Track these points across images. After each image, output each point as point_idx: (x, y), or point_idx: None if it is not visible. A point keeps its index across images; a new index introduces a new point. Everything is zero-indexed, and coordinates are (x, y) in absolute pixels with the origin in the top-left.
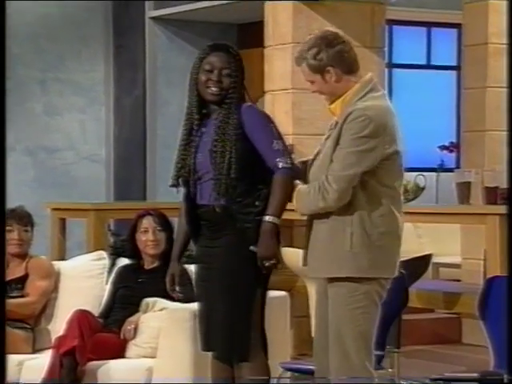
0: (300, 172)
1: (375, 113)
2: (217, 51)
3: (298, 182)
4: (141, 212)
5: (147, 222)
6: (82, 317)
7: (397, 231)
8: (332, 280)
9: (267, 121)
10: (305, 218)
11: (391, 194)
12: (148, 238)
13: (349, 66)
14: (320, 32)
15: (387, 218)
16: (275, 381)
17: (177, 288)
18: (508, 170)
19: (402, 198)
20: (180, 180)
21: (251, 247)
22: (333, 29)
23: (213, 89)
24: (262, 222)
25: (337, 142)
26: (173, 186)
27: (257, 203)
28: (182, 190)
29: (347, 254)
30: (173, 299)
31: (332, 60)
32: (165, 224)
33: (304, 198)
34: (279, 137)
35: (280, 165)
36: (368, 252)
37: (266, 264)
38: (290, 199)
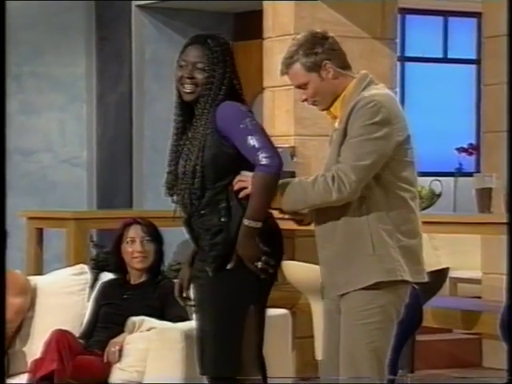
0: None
1: (384, 99)
2: (192, 44)
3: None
4: (127, 220)
5: (134, 232)
6: (61, 337)
7: (418, 229)
8: (345, 293)
9: (240, 116)
10: (307, 228)
11: (409, 189)
12: (135, 249)
13: (343, 61)
14: (305, 32)
15: (407, 216)
16: (275, 381)
17: (184, 294)
18: (508, 173)
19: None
20: (172, 189)
21: (207, 268)
22: (320, 29)
23: (186, 86)
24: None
25: (344, 135)
26: (167, 195)
27: (222, 219)
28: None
29: (372, 258)
30: (162, 318)
31: (328, 53)
32: (154, 234)
33: (305, 191)
34: (255, 131)
35: (259, 161)
36: (393, 252)
37: (259, 265)
38: (271, 196)
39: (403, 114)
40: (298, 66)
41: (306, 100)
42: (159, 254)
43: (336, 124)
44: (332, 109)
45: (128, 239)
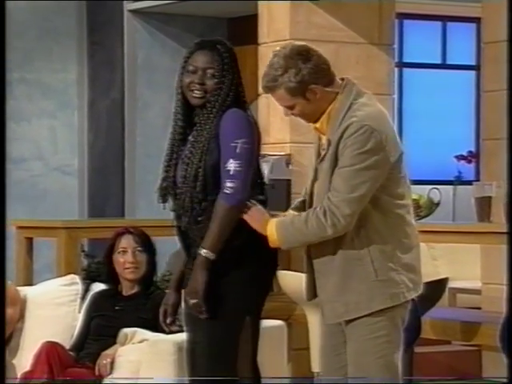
0: (244, 205)
1: (375, 122)
2: (201, 49)
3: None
4: (119, 230)
5: (126, 242)
6: (51, 350)
7: (415, 241)
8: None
9: (238, 134)
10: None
11: (403, 205)
12: (127, 259)
13: (328, 76)
14: (287, 49)
15: (404, 231)
16: (275, 381)
17: (168, 320)
18: (508, 182)
19: (414, 214)
20: (167, 195)
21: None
22: (297, 42)
23: (196, 92)
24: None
25: (335, 163)
26: (160, 201)
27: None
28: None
29: (375, 284)
30: (155, 329)
31: (313, 75)
32: (146, 244)
33: (296, 229)
34: (241, 157)
35: (224, 188)
36: (396, 275)
37: (190, 302)
38: (230, 228)
39: (394, 131)
40: (282, 91)
41: (292, 115)
42: (151, 265)
43: (323, 140)
44: (318, 125)
45: (120, 249)
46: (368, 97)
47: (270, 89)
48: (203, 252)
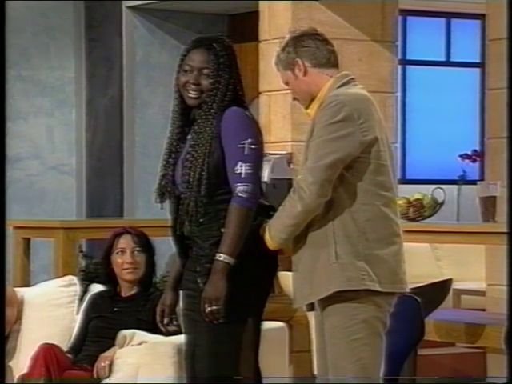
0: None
1: (348, 98)
2: (198, 47)
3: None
4: (117, 230)
5: (124, 242)
6: (48, 352)
7: (392, 238)
8: (325, 307)
9: (243, 134)
10: None
11: (382, 194)
12: (125, 260)
13: (318, 58)
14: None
15: (378, 223)
16: (275, 381)
17: (165, 321)
18: (508, 180)
19: (417, 213)
20: (165, 194)
21: (198, 279)
22: (308, 27)
23: (191, 92)
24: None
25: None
26: (158, 201)
27: (222, 229)
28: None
29: (334, 266)
30: (154, 331)
31: (299, 52)
32: (145, 244)
33: (278, 218)
34: (249, 158)
35: (237, 192)
36: (358, 261)
37: (208, 309)
38: (246, 232)
39: (375, 116)
40: (279, 66)
41: (295, 99)
42: (150, 265)
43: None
44: (309, 110)
45: (118, 250)
46: (359, 87)
47: (275, 65)
48: (222, 257)
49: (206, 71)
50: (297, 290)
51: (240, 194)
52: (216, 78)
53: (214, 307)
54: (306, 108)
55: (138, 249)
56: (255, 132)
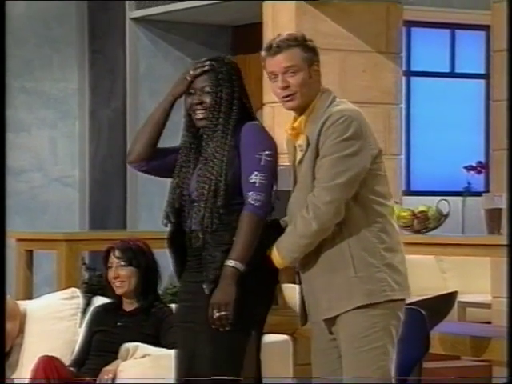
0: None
1: (353, 113)
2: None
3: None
4: (108, 246)
5: (111, 258)
6: (48, 364)
7: (398, 245)
8: (339, 318)
9: (262, 146)
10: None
11: (386, 204)
12: (111, 275)
13: (320, 73)
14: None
15: (388, 232)
16: (276, 381)
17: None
18: (508, 190)
19: (422, 225)
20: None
21: (204, 285)
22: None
23: (197, 112)
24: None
25: (316, 155)
26: (165, 222)
27: (234, 238)
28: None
29: (353, 280)
30: (157, 345)
31: (318, 55)
32: (130, 258)
33: (289, 237)
34: (265, 169)
35: (249, 199)
36: (376, 273)
37: (217, 314)
38: (256, 240)
39: (371, 130)
40: (298, 50)
41: (285, 88)
42: (142, 278)
43: (299, 141)
44: (296, 124)
45: (108, 265)
46: (346, 102)
47: (285, 46)
48: (233, 263)
49: (206, 89)
50: (312, 306)
51: (252, 202)
52: (217, 93)
53: (223, 312)
54: (296, 108)
55: (121, 263)
56: (273, 145)
